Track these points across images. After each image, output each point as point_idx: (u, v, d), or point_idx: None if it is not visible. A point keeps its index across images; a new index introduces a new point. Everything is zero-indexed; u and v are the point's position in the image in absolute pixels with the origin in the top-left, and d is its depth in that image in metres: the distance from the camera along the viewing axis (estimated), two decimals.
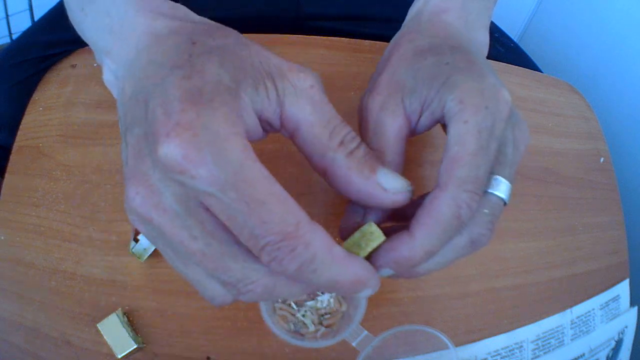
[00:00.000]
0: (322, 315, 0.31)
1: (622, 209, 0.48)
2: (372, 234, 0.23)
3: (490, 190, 0.24)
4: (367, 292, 0.21)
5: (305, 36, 0.44)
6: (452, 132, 0.23)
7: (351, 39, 0.45)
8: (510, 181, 0.24)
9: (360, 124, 0.28)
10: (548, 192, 0.44)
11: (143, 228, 0.21)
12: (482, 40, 0.31)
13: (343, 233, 0.25)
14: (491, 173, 0.24)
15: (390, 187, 0.22)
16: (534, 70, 0.52)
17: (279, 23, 0.52)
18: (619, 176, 0.49)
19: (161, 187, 0.19)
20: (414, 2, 0.34)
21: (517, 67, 0.50)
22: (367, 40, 0.46)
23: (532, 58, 0.59)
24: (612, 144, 0.51)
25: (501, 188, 0.24)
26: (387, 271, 0.23)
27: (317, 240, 0.19)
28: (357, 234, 0.23)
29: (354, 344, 0.30)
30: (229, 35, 0.23)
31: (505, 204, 0.24)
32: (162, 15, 0.24)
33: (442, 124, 0.26)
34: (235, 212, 0.18)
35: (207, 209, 0.19)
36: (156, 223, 0.19)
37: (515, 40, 0.61)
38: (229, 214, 0.18)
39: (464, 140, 0.22)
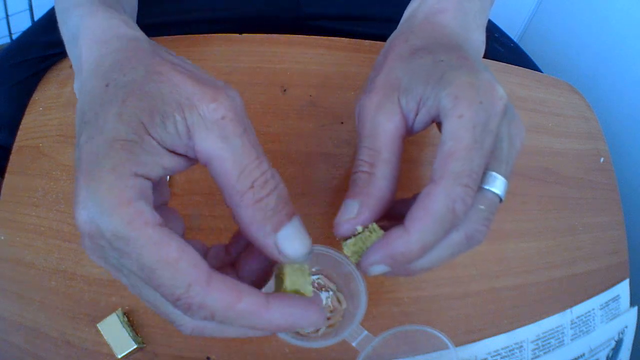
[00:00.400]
0: None
1: (622, 209, 0.48)
2: (374, 232, 0.24)
3: (485, 187, 0.24)
4: (306, 327, 0.21)
5: (305, 36, 0.44)
6: (446, 126, 0.23)
7: (351, 39, 0.45)
8: (506, 177, 0.24)
9: (357, 124, 0.28)
10: (548, 192, 0.44)
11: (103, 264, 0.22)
12: (479, 40, 0.31)
13: (338, 229, 0.25)
14: (487, 169, 0.23)
15: (287, 252, 0.21)
16: (534, 70, 0.52)
17: (279, 23, 0.52)
18: (619, 176, 0.49)
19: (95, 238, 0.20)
20: (410, 3, 0.34)
21: (517, 67, 0.50)
22: (367, 40, 0.46)
23: (532, 58, 0.59)
24: (612, 144, 0.51)
25: (497, 184, 0.24)
26: (381, 267, 0.23)
27: (211, 299, 0.19)
28: (357, 236, 0.24)
29: (354, 344, 0.30)
30: (140, 65, 0.22)
31: (501, 200, 0.24)
32: (94, 43, 0.25)
33: (438, 122, 0.25)
34: (135, 278, 0.20)
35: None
36: (103, 265, 0.21)
37: (515, 40, 0.61)
38: (131, 279, 0.20)
39: (458, 134, 0.22)
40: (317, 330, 0.31)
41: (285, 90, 0.42)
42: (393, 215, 0.26)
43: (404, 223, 0.22)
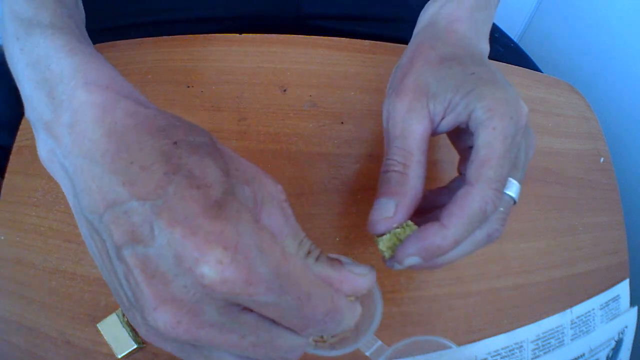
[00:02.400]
0: None
1: (622, 209, 0.48)
2: (407, 227, 0.26)
3: (504, 191, 0.26)
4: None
5: (305, 36, 0.44)
6: (482, 136, 0.25)
7: (351, 39, 0.45)
8: (520, 183, 0.27)
9: (386, 124, 0.30)
10: (548, 192, 0.44)
11: (176, 347, 0.20)
12: (485, 49, 0.33)
13: (375, 227, 0.27)
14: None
15: (359, 271, 0.23)
16: (534, 70, 0.53)
17: (279, 23, 0.52)
18: (619, 176, 0.49)
19: (203, 306, 0.18)
20: (427, 7, 0.35)
21: (517, 67, 0.50)
22: (367, 40, 0.46)
23: (532, 58, 0.59)
24: (612, 144, 0.51)
25: (513, 189, 0.27)
26: (414, 259, 0.25)
27: (343, 301, 0.21)
28: (392, 232, 0.26)
29: (367, 354, 0.30)
30: (204, 135, 0.21)
31: (514, 202, 0.27)
32: (119, 96, 0.21)
33: (461, 128, 0.28)
34: (287, 310, 0.19)
35: (248, 310, 0.19)
36: (204, 340, 0.19)
37: (515, 40, 0.61)
38: (280, 312, 0.19)
39: (492, 144, 0.25)
40: (323, 339, 0.31)
41: (285, 90, 0.42)
42: (422, 209, 0.28)
43: (440, 219, 0.25)
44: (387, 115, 0.29)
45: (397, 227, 0.26)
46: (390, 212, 0.26)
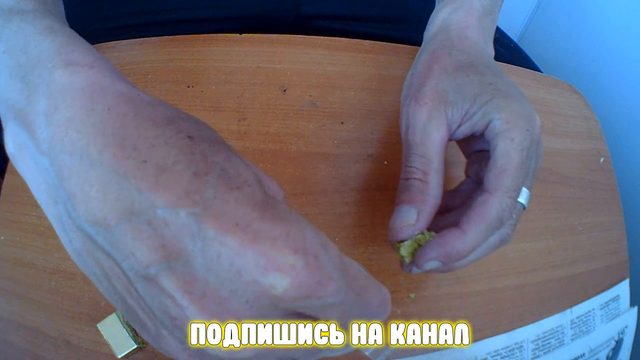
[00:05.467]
0: None
1: (622, 209, 0.48)
2: (427, 233, 0.27)
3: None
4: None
5: (305, 36, 0.44)
6: (500, 146, 0.26)
7: (351, 39, 0.45)
8: (530, 190, 0.28)
9: (405, 131, 0.30)
10: (548, 192, 0.44)
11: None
12: (492, 54, 0.34)
13: (398, 234, 0.27)
14: None
15: None
16: (534, 70, 0.52)
17: (279, 23, 0.52)
18: (619, 176, 0.49)
19: (265, 319, 0.16)
20: (436, 11, 0.36)
21: (517, 67, 0.50)
22: (367, 40, 0.46)
23: (532, 58, 0.59)
24: (612, 144, 0.51)
25: (523, 196, 0.28)
26: (434, 263, 0.26)
27: (383, 289, 0.20)
28: (414, 238, 0.27)
29: (367, 353, 0.30)
30: (209, 128, 0.19)
31: (524, 208, 0.28)
32: (108, 78, 0.18)
33: (475, 135, 0.29)
34: (349, 307, 0.17)
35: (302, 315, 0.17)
36: (266, 354, 0.17)
37: (515, 40, 0.61)
38: (342, 311, 0.17)
39: (510, 155, 0.26)
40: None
41: (285, 90, 0.42)
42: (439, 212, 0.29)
43: (460, 225, 0.26)
44: (407, 122, 0.30)
45: (419, 234, 0.27)
46: (412, 220, 0.27)
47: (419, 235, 0.27)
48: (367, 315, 0.19)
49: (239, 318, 0.16)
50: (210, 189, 0.15)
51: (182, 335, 0.16)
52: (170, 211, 0.15)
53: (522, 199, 0.28)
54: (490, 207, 0.26)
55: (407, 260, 0.28)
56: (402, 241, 0.27)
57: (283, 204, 0.17)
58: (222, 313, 0.15)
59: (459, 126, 0.29)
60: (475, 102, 0.28)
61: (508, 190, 0.26)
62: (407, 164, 0.29)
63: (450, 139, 0.30)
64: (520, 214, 0.28)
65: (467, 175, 0.32)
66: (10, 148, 0.19)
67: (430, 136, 0.28)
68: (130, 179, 0.15)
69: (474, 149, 0.31)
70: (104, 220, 0.16)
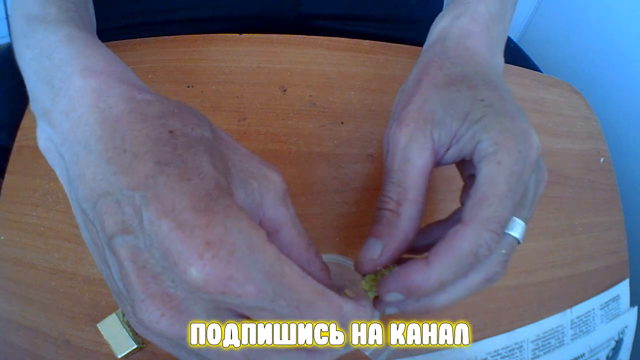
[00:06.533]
0: None
1: (622, 209, 0.48)
2: (392, 269, 0.25)
3: (507, 231, 0.24)
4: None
5: (305, 36, 0.44)
6: (483, 171, 0.23)
7: (351, 39, 0.45)
8: (526, 222, 0.25)
9: (385, 155, 0.27)
10: (548, 192, 0.44)
11: (166, 343, 0.19)
12: (500, 65, 0.31)
13: (360, 268, 0.25)
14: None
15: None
16: (534, 70, 0.52)
17: (279, 23, 0.52)
18: (619, 176, 0.49)
19: (189, 305, 0.18)
20: (438, 19, 0.33)
21: (517, 67, 0.50)
22: (367, 40, 0.46)
23: (532, 58, 0.59)
24: (612, 144, 0.51)
25: (518, 229, 0.24)
26: (396, 295, 0.24)
27: (349, 308, 0.19)
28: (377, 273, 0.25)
29: (367, 353, 0.30)
30: (203, 126, 0.20)
31: (519, 243, 0.25)
32: (114, 80, 0.21)
33: (465, 160, 0.26)
34: (285, 316, 0.17)
35: (242, 315, 0.18)
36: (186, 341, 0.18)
37: (515, 40, 0.61)
38: (278, 318, 0.18)
39: (495, 180, 0.22)
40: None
41: (285, 90, 0.42)
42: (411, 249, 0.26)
43: (428, 257, 0.23)
44: (387, 145, 0.27)
45: (383, 269, 0.25)
46: (375, 254, 0.25)
47: (383, 270, 0.25)
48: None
49: (169, 295, 0.17)
50: (164, 177, 0.17)
51: (132, 305, 0.18)
52: (131, 193, 0.17)
53: (515, 232, 0.24)
54: (461, 241, 0.22)
55: (370, 294, 0.25)
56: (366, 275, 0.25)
57: (229, 200, 0.17)
58: (155, 286, 0.17)
59: (448, 149, 0.25)
60: (465, 121, 0.24)
61: (487, 222, 0.22)
62: (381, 192, 0.26)
63: (438, 165, 0.26)
64: (512, 249, 0.24)
65: (462, 203, 0.28)
66: (41, 143, 0.23)
67: (409, 162, 0.25)
68: (112, 164, 0.18)
69: (469, 172, 0.27)
70: (91, 198, 0.19)
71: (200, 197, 0.17)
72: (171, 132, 0.19)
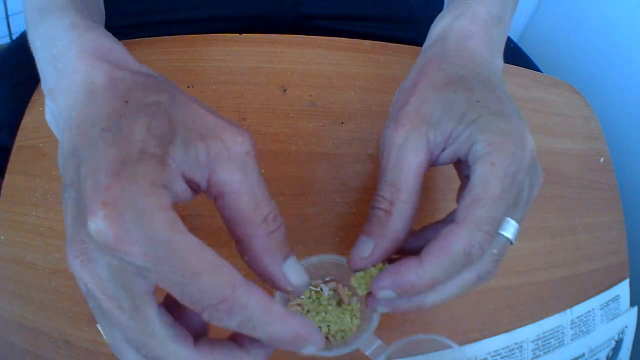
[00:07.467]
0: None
1: (622, 209, 0.48)
2: (381, 267, 0.25)
3: (500, 231, 0.24)
4: (311, 349, 0.21)
5: (305, 36, 0.44)
6: (478, 172, 0.23)
7: (351, 39, 0.45)
8: (519, 223, 0.25)
9: (380, 155, 0.27)
10: (548, 192, 0.44)
11: (80, 284, 0.21)
12: (499, 66, 0.31)
13: (351, 265, 0.26)
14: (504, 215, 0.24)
15: (292, 280, 0.23)
16: (534, 70, 0.52)
17: (279, 23, 0.52)
18: (619, 176, 0.49)
19: (96, 256, 0.19)
20: (438, 19, 0.33)
21: (517, 67, 0.50)
22: (367, 40, 0.46)
23: (532, 58, 0.59)
24: (612, 144, 0.51)
25: (511, 230, 0.25)
26: (387, 293, 0.24)
27: (253, 300, 0.19)
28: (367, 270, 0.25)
29: (367, 353, 0.30)
30: (163, 91, 0.22)
31: (511, 243, 0.25)
32: (101, 61, 0.23)
33: (461, 161, 0.26)
34: (172, 283, 0.18)
35: (144, 277, 0.19)
36: (90, 287, 0.20)
37: (515, 40, 0.61)
38: (166, 284, 0.19)
39: (488, 181, 0.23)
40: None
41: (285, 90, 0.42)
42: (403, 250, 0.26)
43: (421, 255, 0.23)
44: (382, 145, 0.27)
45: (373, 266, 0.25)
46: (366, 253, 0.25)
47: (372, 268, 0.25)
48: (201, 306, 0.19)
49: (84, 242, 0.19)
50: (101, 141, 0.20)
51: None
52: (81, 152, 0.20)
53: (508, 232, 0.24)
54: (454, 240, 0.22)
55: (360, 292, 0.26)
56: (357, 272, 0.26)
57: (146, 165, 0.19)
58: (78, 234, 0.20)
59: (443, 150, 0.26)
60: (461, 122, 0.25)
61: (480, 223, 0.22)
62: (375, 192, 0.26)
63: (433, 165, 0.27)
64: (504, 249, 0.25)
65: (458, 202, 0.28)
66: (47, 116, 0.26)
67: (404, 162, 0.25)
68: (78, 128, 0.21)
69: (465, 173, 0.27)
70: (62, 155, 0.22)
71: (117, 162, 0.19)
72: (126, 101, 0.21)
